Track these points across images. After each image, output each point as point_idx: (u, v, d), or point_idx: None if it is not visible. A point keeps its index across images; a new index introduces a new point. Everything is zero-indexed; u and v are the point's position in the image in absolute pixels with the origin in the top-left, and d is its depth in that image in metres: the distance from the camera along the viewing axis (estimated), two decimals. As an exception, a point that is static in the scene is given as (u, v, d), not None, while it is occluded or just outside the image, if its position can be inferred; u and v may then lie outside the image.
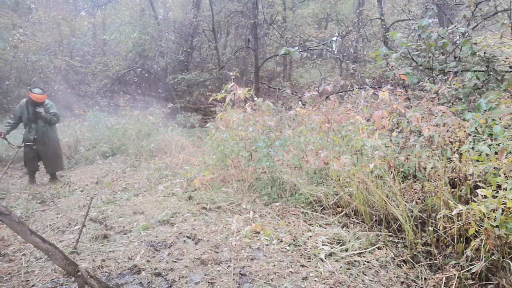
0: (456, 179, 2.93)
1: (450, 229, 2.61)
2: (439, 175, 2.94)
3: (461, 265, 2.38)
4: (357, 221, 3.44)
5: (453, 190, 2.94)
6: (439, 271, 2.54)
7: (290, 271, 2.61)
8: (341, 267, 2.65)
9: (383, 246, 2.93)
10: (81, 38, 16.49)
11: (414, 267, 2.64)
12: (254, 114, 5.01)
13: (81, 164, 7.07)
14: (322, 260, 2.75)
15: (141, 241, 3.17)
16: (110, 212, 4.03)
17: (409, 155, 3.36)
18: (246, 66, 14.58)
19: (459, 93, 4.33)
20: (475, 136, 3.22)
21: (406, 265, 2.69)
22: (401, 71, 4.27)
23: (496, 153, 2.77)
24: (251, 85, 11.64)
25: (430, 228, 2.81)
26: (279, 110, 7.78)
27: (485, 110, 3.60)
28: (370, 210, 3.37)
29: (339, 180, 3.75)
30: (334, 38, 16.60)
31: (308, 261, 2.76)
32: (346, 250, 2.91)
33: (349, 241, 3.02)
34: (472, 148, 2.94)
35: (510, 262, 2.20)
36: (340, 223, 3.46)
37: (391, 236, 3.12)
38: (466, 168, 2.75)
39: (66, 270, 2.10)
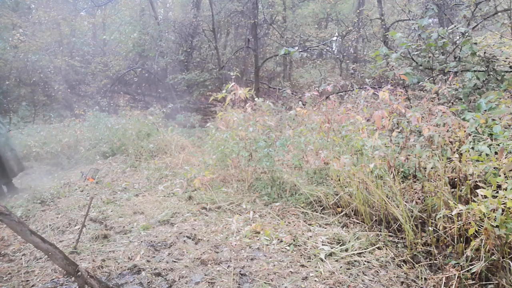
0: (456, 179, 2.93)
1: (450, 229, 2.61)
2: (439, 175, 2.94)
3: (461, 265, 2.38)
4: (357, 221, 3.44)
5: (453, 190, 2.94)
6: (439, 271, 2.54)
7: (290, 271, 2.61)
8: (341, 267, 2.65)
9: (383, 246, 2.93)
10: (81, 38, 16.51)
11: (414, 267, 2.64)
12: (254, 114, 5.01)
13: (81, 164, 7.07)
14: (322, 260, 2.75)
15: (141, 241, 3.17)
16: (110, 212, 4.03)
17: (409, 155, 3.36)
18: (246, 66, 14.58)
19: (459, 93, 4.32)
20: (475, 136, 3.22)
21: (406, 265, 2.69)
22: (401, 71, 4.26)
23: (496, 153, 2.77)
24: (251, 85, 11.64)
25: (430, 228, 2.81)
26: (279, 110, 7.77)
27: (485, 110, 3.60)
28: (370, 210, 3.37)
29: (339, 180, 3.75)
30: (334, 38, 16.60)
31: (308, 261, 2.76)
32: (346, 250, 2.91)
33: (349, 241, 3.02)
34: (472, 148, 2.93)
35: (510, 262, 2.20)
36: (340, 223, 3.46)
37: (391, 236, 3.12)
38: (466, 168, 2.75)
39: (66, 270, 2.10)
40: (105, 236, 3.29)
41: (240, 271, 2.62)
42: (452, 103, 4.34)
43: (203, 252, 2.90)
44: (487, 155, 2.78)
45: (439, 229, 2.69)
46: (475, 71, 4.39)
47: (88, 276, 2.12)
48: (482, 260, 2.26)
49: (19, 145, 7.52)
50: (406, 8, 9.70)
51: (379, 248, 2.92)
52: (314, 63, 15.32)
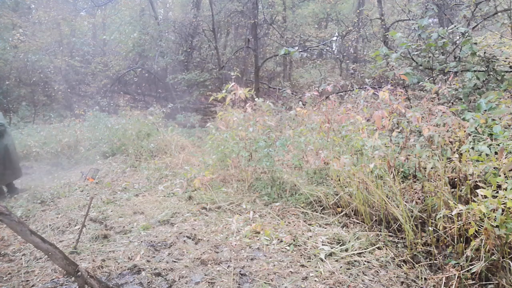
0: (456, 179, 2.93)
1: (450, 229, 2.61)
2: (439, 175, 2.94)
3: (461, 265, 2.38)
4: (357, 221, 3.44)
5: (453, 190, 2.94)
6: (439, 271, 2.54)
7: (290, 271, 2.61)
8: (341, 267, 2.65)
9: (383, 246, 2.93)
10: (81, 38, 16.50)
11: (414, 267, 2.64)
12: (254, 114, 5.01)
13: (81, 164, 7.07)
14: (322, 260, 2.75)
15: (141, 241, 3.17)
16: (110, 212, 4.03)
17: (409, 155, 3.36)
18: (246, 66, 14.58)
19: (459, 93, 4.32)
20: (475, 136, 3.22)
21: (406, 265, 2.69)
22: (401, 71, 4.27)
23: (496, 153, 2.77)
24: (251, 85, 11.65)
25: (430, 228, 2.81)
26: (279, 110, 7.77)
27: (485, 110, 3.60)
28: (370, 210, 3.37)
29: (339, 180, 3.75)
30: (334, 38, 16.61)
31: (308, 261, 2.76)
32: (346, 250, 2.92)
33: (349, 241, 3.02)
34: (472, 148, 2.93)
35: (510, 262, 2.20)
36: (340, 223, 3.46)
37: (391, 236, 3.12)
38: (466, 168, 2.75)
39: (66, 270, 2.10)
40: (105, 236, 3.29)
41: (240, 271, 2.62)
42: (452, 103, 4.34)
43: (203, 252, 2.90)
44: (487, 155, 2.78)
45: (439, 229, 2.69)
46: (475, 71, 4.39)
47: (88, 276, 2.12)
48: (482, 260, 2.26)
49: (19, 145, 7.53)
50: (406, 8, 9.70)
51: (379, 248, 2.92)
52: (314, 63, 15.33)
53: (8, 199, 4.88)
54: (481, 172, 2.67)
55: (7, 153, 4.94)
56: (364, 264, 2.70)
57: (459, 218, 2.51)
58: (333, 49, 17.70)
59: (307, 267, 2.67)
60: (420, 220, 3.06)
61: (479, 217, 2.34)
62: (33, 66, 12.87)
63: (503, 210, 2.21)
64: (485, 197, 2.35)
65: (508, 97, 3.87)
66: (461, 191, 2.83)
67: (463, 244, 2.52)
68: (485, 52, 4.44)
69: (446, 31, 4.45)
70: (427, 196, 3.11)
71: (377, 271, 2.61)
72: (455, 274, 2.30)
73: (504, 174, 2.43)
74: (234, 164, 4.98)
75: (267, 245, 3.05)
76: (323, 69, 14.88)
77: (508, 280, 2.19)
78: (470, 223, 2.38)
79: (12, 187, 5.17)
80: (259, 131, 4.76)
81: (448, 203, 2.70)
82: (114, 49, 16.52)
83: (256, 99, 5.14)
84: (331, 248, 2.94)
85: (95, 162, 7.02)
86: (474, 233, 2.37)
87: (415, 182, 3.53)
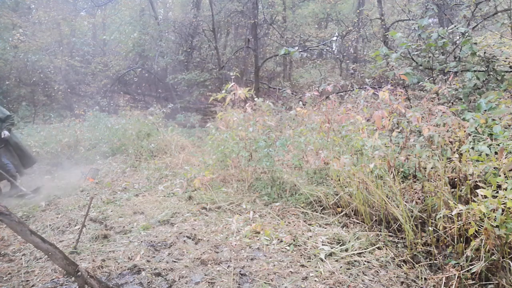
0: (456, 179, 2.93)
1: (450, 229, 2.61)
2: (439, 175, 2.94)
3: (461, 265, 2.38)
4: (357, 221, 3.44)
5: (453, 190, 2.94)
6: (439, 271, 2.54)
7: (290, 271, 2.61)
8: (341, 267, 2.65)
9: (383, 246, 2.93)
10: (81, 38, 16.52)
11: (414, 267, 2.64)
12: (254, 114, 5.01)
13: (81, 164, 7.07)
14: (322, 260, 2.75)
15: (141, 241, 3.17)
16: (110, 212, 4.03)
17: (409, 155, 3.36)
18: (246, 66, 14.58)
19: (459, 93, 4.32)
20: (475, 136, 3.22)
21: (406, 265, 2.69)
22: (401, 71, 4.26)
23: (496, 153, 2.77)
24: (251, 85, 11.64)
25: (430, 228, 2.81)
26: (279, 110, 7.77)
27: (485, 110, 3.60)
28: (370, 210, 3.37)
29: (339, 180, 3.75)
30: (334, 38, 16.60)
31: (308, 261, 2.76)
32: (346, 250, 2.92)
33: (349, 241, 3.02)
34: (472, 148, 2.93)
35: (510, 262, 2.20)
36: (340, 223, 3.46)
37: (391, 236, 3.12)
38: (466, 168, 2.75)
39: (66, 270, 2.10)
40: (105, 236, 3.29)
41: (240, 271, 2.62)
42: (452, 103, 4.34)
43: (203, 252, 2.90)
44: (487, 155, 2.78)
45: (439, 229, 2.69)
46: (475, 71, 4.39)
47: (88, 276, 2.12)
48: (482, 260, 2.26)
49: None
50: (406, 8, 9.71)
51: (379, 248, 2.92)
52: (314, 63, 15.32)
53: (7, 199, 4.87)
54: (481, 172, 2.67)
55: (19, 144, 5.32)
56: (364, 264, 2.70)
57: (459, 218, 2.51)
58: (333, 49, 17.70)
59: (307, 267, 2.67)
60: (420, 220, 3.06)
61: (479, 217, 2.34)
62: (33, 66, 12.87)
63: (503, 210, 2.21)
64: (485, 197, 2.35)
65: (508, 97, 3.87)
66: (461, 191, 2.83)
67: (463, 244, 2.52)
68: (485, 52, 4.44)
69: (446, 31, 4.44)
70: (427, 196, 3.11)
71: (377, 271, 2.61)
72: (455, 274, 2.30)
73: (504, 174, 2.42)
74: (234, 164, 4.98)
75: (267, 245, 3.05)
76: (323, 69, 14.88)
77: (508, 280, 2.19)
78: (470, 223, 2.38)
79: (13, 185, 5.18)
80: (259, 131, 4.76)
81: (448, 203, 2.70)
82: (114, 49, 16.54)
83: (256, 99, 5.14)
84: (331, 248, 2.94)
85: (95, 162, 7.02)
86: (474, 233, 2.37)
87: (415, 182, 3.53)
